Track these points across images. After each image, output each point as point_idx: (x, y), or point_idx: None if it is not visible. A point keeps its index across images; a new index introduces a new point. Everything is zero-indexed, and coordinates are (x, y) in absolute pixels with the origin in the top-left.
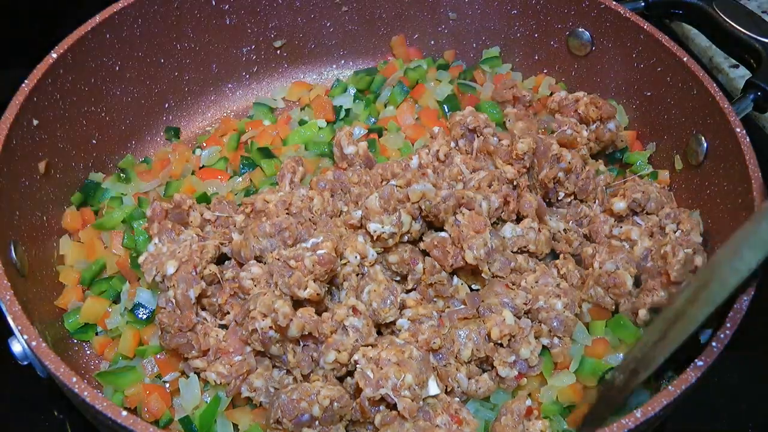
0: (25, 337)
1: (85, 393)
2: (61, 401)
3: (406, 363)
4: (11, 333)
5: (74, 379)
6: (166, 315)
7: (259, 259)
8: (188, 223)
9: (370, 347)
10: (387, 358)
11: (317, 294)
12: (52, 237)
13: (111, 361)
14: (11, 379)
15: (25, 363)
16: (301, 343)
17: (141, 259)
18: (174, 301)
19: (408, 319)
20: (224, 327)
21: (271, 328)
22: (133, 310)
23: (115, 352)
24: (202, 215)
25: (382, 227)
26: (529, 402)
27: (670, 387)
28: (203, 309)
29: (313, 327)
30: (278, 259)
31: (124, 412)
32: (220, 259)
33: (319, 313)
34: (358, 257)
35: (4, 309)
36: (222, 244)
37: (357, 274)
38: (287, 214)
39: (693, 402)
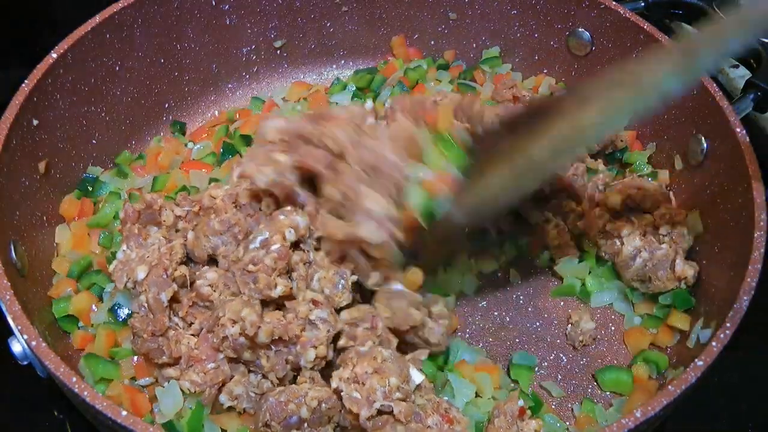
0: (25, 337)
1: (85, 393)
2: (61, 401)
3: (384, 368)
4: (11, 333)
5: (74, 379)
6: (138, 319)
7: (212, 257)
8: (161, 223)
9: (341, 369)
10: (364, 371)
11: (289, 288)
12: (53, 237)
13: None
14: (11, 379)
15: (25, 363)
16: (273, 347)
17: (111, 268)
18: (146, 305)
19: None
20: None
21: (240, 334)
22: (113, 309)
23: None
24: (173, 212)
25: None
26: (521, 402)
27: (670, 387)
28: (175, 314)
29: (282, 331)
30: (236, 264)
31: (124, 412)
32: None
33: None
34: (293, 231)
35: (4, 309)
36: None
37: (304, 263)
38: (235, 207)
39: (693, 402)
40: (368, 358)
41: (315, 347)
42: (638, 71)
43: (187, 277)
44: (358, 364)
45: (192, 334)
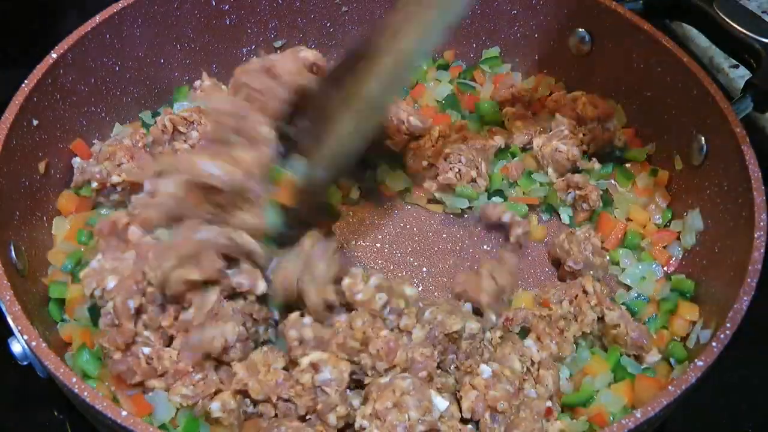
0: (25, 337)
1: (85, 393)
2: (61, 401)
3: (402, 401)
4: (11, 333)
5: (74, 379)
6: (106, 338)
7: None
8: (127, 241)
9: (365, 405)
10: (384, 406)
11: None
12: (53, 237)
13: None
14: (11, 379)
15: (25, 363)
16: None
17: (82, 274)
18: (112, 313)
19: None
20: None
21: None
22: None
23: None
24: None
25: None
26: (548, 404)
27: (670, 387)
28: (146, 328)
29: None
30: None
31: (124, 412)
32: None
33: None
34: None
35: (4, 309)
36: None
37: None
38: None
39: (693, 402)
40: (388, 390)
41: (334, 409)
42: None
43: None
44: (378, 399)
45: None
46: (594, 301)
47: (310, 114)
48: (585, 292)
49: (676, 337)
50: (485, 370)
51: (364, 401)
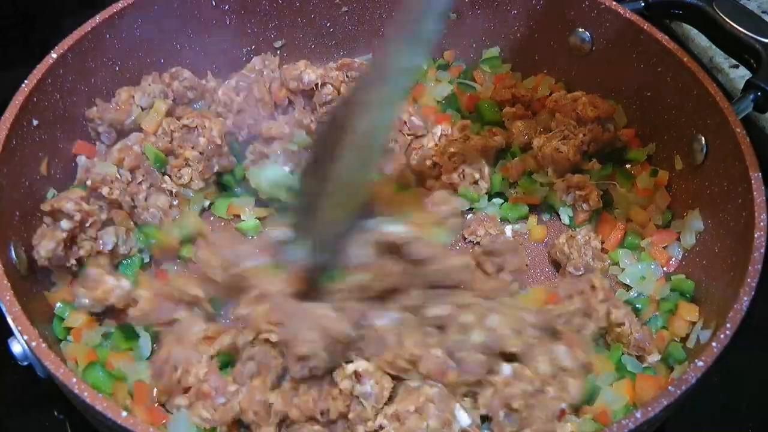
0: (25, 337)
1: (85, 393)
2: (61, 401)
3: (425, 408)
4: (11, 333)
5: (74, 380)
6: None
7: None
8: None
9: (388, 405)
10: (406, 409)
11: None
12: None
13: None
14: (11, 379)
15: (25, 363)
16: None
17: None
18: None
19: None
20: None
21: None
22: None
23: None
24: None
25: None
26: (563, 405)
27: (670, 387)
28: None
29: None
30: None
31: (124, 413)
32: None
33: None
34: None
35: (4, 309)
36: None
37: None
38: None
39: (693, 402)
40: (414, 395)
41: (366, 423)
42: (381, 62)
43: None
44: (402, 401)
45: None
46: (601, 296)
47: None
48: (593, 287)
49: (675, 338)
50: (506, 368)
51: (389, 399)
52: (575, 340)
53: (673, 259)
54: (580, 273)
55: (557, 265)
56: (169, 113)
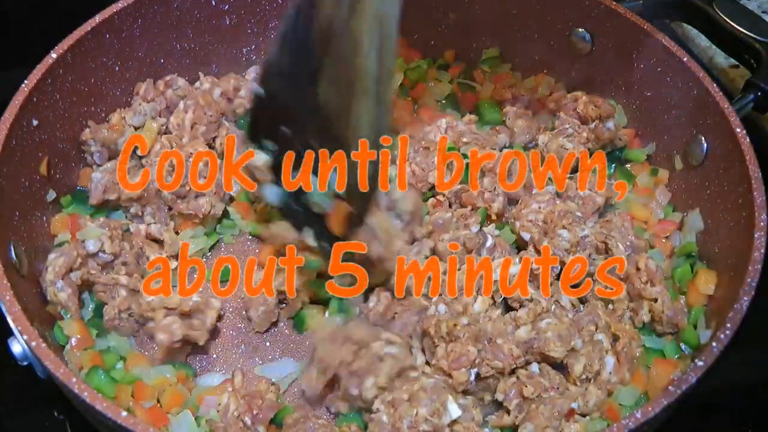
0: (25, 337)
1: (85, 393)
2: (61, 401)
3: (417, 396)
4: (11, 333)
5: (74, 380)
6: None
7: None
8: None
9: (387, 392)
10: (400, 396)
11: None
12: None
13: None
14: (11, 379)
15: (25, 363)
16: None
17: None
18: None
19: None
20: None
21: None
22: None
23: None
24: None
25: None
26: (574, 405)
27: (670, 387)
28: None
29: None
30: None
31: (124, 413)
32: None
33: None
34: None
35: (4, 309)
36: None
37: None
38: None
39: (693, 402)
40: (411, 382)
41: (377, 376)
42: None
43: None
44: (399, 387)
45: None
46: (645, 277)
47: (283, 119)
48: (638, 269)
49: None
50: (534, 366)
51: (391, 388)
52: (623, 358)
53: (676, 249)
54: (628, 253)
55: None
56: (160, 131)
